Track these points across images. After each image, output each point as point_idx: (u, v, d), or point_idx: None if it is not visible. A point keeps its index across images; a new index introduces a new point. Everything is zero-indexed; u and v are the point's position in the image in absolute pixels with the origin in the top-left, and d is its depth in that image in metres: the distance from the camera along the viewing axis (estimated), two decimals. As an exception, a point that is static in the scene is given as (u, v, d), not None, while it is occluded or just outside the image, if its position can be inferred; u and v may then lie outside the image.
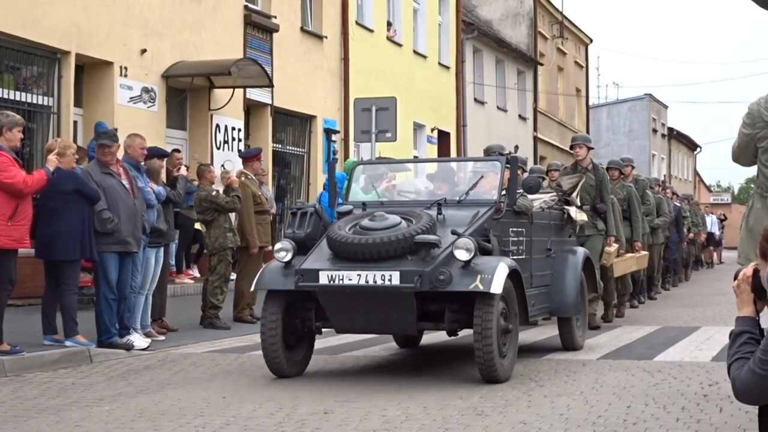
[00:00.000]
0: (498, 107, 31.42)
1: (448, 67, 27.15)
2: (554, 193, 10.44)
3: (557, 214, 9.98)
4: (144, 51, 15.15)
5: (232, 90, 16.69)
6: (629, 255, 12.97)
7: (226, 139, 17.08)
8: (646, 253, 13.48)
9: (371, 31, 22.84)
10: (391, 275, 7.34)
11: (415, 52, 25.22)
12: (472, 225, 7.95)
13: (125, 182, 9.43)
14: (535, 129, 34.34)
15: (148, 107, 15.26)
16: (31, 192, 8.48)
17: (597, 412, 6.19)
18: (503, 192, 8.40)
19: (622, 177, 14.31)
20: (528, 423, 5.89)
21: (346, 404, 6.58)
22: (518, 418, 6.03)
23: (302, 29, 19.96)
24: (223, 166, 14.85)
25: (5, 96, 12.84)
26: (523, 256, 8.65)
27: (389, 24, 24.03)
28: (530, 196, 9.15)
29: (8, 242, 8.24)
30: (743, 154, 5.78)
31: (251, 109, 18.46)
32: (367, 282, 7.39)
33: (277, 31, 18.62)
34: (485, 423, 5.91)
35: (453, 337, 8.93)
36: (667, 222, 17.36)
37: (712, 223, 31.68)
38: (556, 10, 37.26)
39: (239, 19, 17.65)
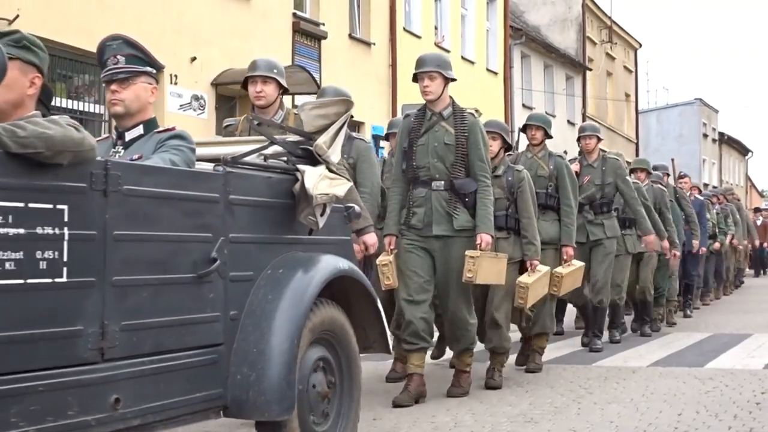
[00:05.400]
0: (546, 113, 31.30)
1: (496, 73, 27.11)
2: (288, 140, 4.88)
3: (270, 181, 4.57)
4: (194, 59, 15.28)
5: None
6: (539, 272, 7.67)
7: (274, 145, 17.18)
8: (581, 265, 8.60)
9: (419, 37, 22.86)
10: None
11: (462, 57, 25.21)
12: None
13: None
14: (583, 134, 34.22)
15: (198, 115, 15.39)
16: None
17: (648, 420, 6.15)
18: None
19: (586, 153, 10.09)
20: (578, 430, 5.86)
21: (396, 411, 6.58)
22: (568, 426, 6.00)
23: (350, 36, 20.03)
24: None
25: (57, 104, 13.01)
26: (47, 280, 3.40)
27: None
28: (200, 153, 4.54)
29: None
30: None
31: (300, 116, 18.55)
32: None
33: (325, 38, 18.70)
34: (535, 430, 5.89)
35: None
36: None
37: None
38: (605, 14, 37.08)
39: (288, 26, 17.75)
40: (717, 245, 16.95)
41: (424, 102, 7.11)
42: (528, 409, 6.59)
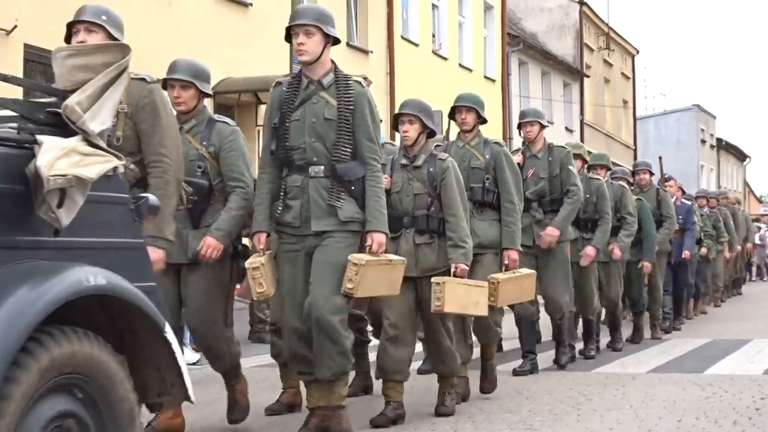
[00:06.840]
0: (544, 120, 31.34)
1: (493, 80, 27.13)
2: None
3: None
4: (191, 68, 15.29)
5: (278, 105, 16.81)
6: (469, 283, 6.33)
7: (273, 154, 17.19)
8: (529, 272, 7.12)
9: (416, 45, 22.89)
10: None
11: (460, 65, 25.24)
12: None
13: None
14: (581, 141, 34.22)
15: (196, 123, 15.39)
16: None
17: (647, 427, 6.14)
18: None
19: (528, 143, 8.72)
20: (577, 437, 5.86)
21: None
22: (567, 433, 6.00)
23: (348, 44, 20.03)
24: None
25: (56, 114, 13.02)
26: None
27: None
28: None
29: None
30: None
31: (298, 124, 18.57)
32: None
33: (322, 46, 18.74)
34: (534, 437, 5.89)
35: (499, 352, 8.86)
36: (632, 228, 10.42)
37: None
38: (602, 21, 37.11)
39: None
40: (704, 251, 15.54)
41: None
42: (527, 416, 6.59)
